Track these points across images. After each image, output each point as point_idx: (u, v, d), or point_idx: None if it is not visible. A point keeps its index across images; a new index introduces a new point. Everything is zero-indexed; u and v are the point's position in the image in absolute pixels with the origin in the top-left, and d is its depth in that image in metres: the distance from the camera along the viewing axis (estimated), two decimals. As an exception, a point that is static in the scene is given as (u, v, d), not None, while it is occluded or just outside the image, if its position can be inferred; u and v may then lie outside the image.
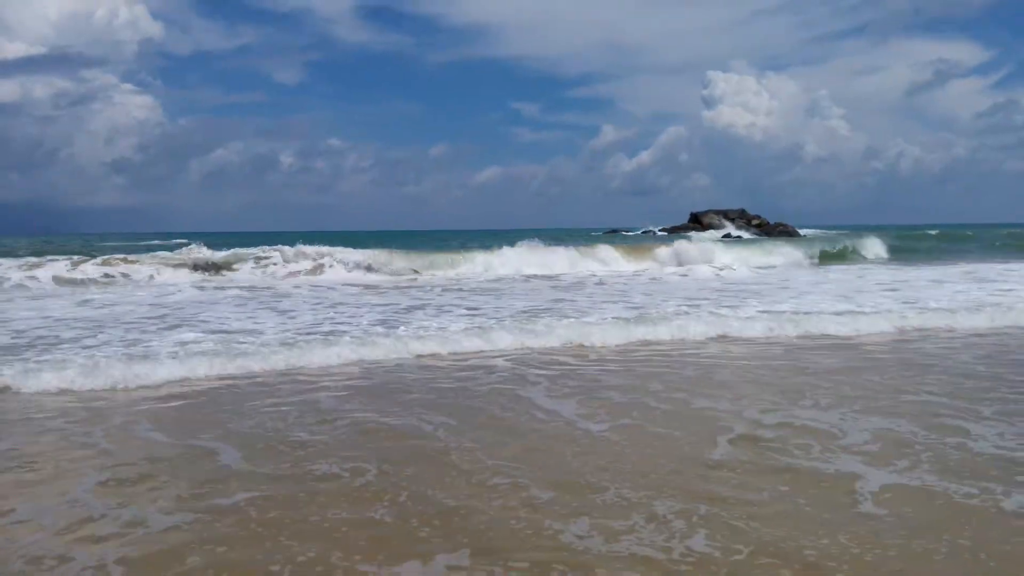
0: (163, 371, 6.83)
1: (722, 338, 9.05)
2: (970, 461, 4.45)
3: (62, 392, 6.25)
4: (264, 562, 3.17)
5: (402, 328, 9.50)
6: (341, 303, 13.18)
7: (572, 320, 10.11)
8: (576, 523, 3.57)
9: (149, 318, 11.01)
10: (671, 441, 4.97)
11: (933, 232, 47.98)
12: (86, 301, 13.49)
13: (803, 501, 3.87)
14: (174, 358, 7.33)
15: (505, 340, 8.49)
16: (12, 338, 9.01)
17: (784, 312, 10.92)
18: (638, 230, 67.83)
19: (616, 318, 10.36)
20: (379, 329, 9.51)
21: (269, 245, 22.52)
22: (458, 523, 3.58)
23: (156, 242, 52.29)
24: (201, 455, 4.68)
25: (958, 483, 4.06)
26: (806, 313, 10.62)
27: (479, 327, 9.44)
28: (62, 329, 9.75)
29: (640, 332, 9.04)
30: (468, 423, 5.43)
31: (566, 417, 5.60)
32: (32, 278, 17.06)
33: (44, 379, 6.40)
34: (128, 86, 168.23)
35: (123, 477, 4.30)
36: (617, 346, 8.53)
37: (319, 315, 11.28)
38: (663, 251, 25.51)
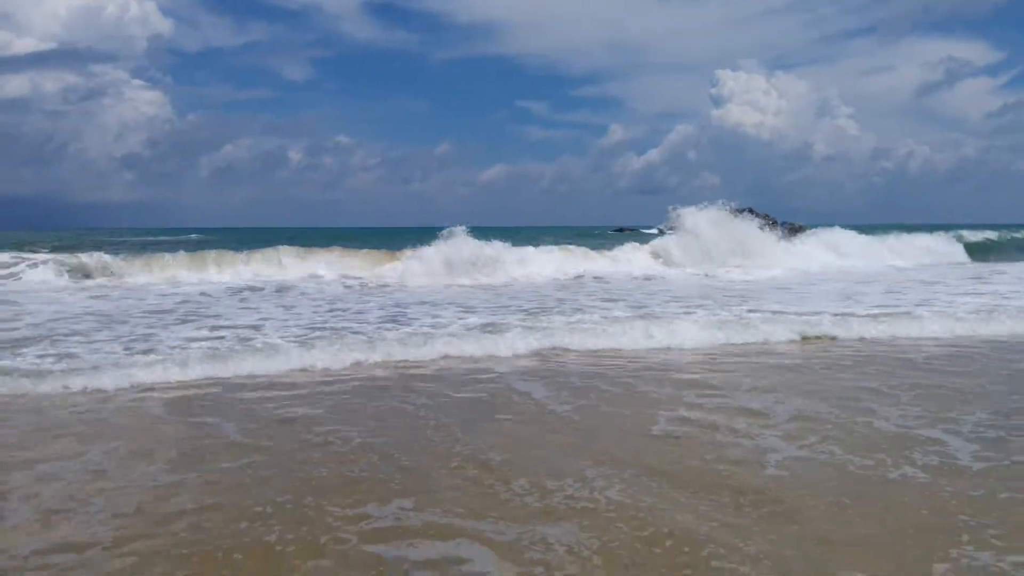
0: (175, 369, 7.22)
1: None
2: (872, 437, 5.12)
3: (68, 388, 6.72)
4: (251, 505, 3.90)
5: (402, 328, 10.24)
6: (341, 300, 13.94)
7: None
8: (517, 481, 4.28)
9: (157, 313, 11.82)
10: (618, 418, 5.68)
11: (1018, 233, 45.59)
12: (99, 296, 14.32)
13: (721, 468, 4.56)
14: (188, 355, 8.04)
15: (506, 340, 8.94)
16: (30, 332, 9.82)
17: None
18: (651, 227, 68.18)
19: (606, 318, 11.05)
20: (373, 328, 10.25)
21: (275, 240, 23.33)
22: (416, 478, 4.31)
23: (165, 239, 53.33)
24: (204, 430, 5.43)
25: (856, 455, 4.74)
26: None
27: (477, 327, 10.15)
28: (75, 323, 10.56)
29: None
30: (448, 404, 6.13)
31: (537, 400, 6.29)
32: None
33: (51, 377, 6.79)
34: (138, 82, 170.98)
35: (132, 446, 5.06)
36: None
37: (321, 314, 12.04)
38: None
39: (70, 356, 7.77)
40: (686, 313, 11.34)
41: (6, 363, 7.36)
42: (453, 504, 3.92)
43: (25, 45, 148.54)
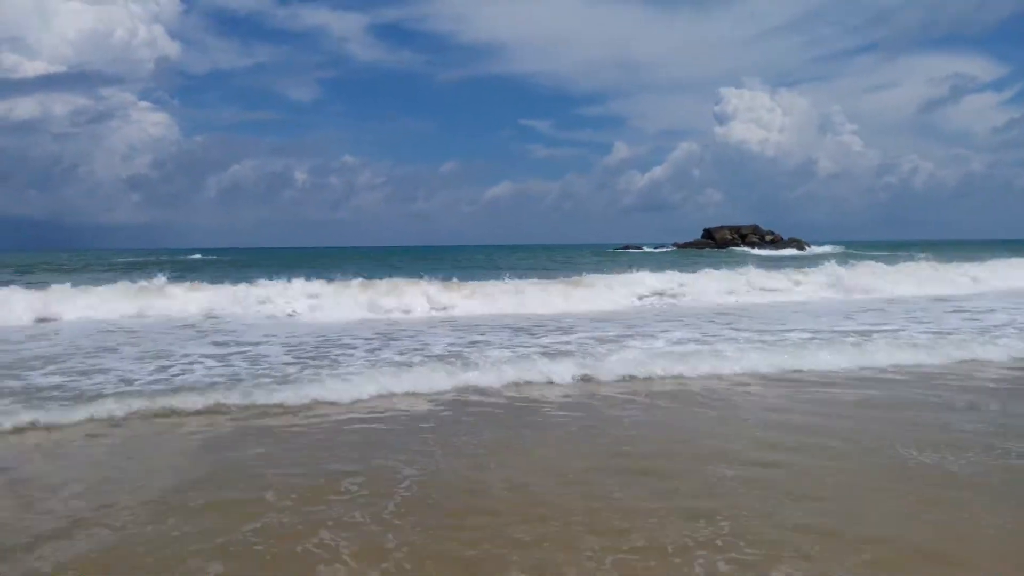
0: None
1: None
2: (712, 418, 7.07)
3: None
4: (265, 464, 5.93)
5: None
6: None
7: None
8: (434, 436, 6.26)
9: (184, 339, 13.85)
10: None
11: None
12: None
13: (592, 431, 6.51)
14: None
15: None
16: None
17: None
18: (664, 246, 70.08)
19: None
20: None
21: (282, 261, 25.44)
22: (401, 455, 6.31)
23: (198, 256, 55.76)
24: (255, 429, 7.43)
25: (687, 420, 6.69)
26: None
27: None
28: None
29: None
30: (456, 422, 7.99)
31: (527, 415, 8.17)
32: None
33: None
34: (145, 104, 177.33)
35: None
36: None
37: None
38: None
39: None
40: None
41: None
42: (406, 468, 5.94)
43: (35, 68, 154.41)
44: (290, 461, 5.69)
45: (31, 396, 7.66)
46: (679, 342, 11.35)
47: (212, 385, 8.21)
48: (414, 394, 8.02)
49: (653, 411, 7.39)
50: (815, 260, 27.44)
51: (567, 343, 11.39)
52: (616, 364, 9.18)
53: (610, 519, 4.43)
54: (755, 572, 3.73)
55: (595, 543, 4.07)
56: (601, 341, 11.42)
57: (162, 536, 4.22)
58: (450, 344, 11.39)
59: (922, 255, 26.11)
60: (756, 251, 55.82)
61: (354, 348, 11.05)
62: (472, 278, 19.96)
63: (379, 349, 10.94)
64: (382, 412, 7.30)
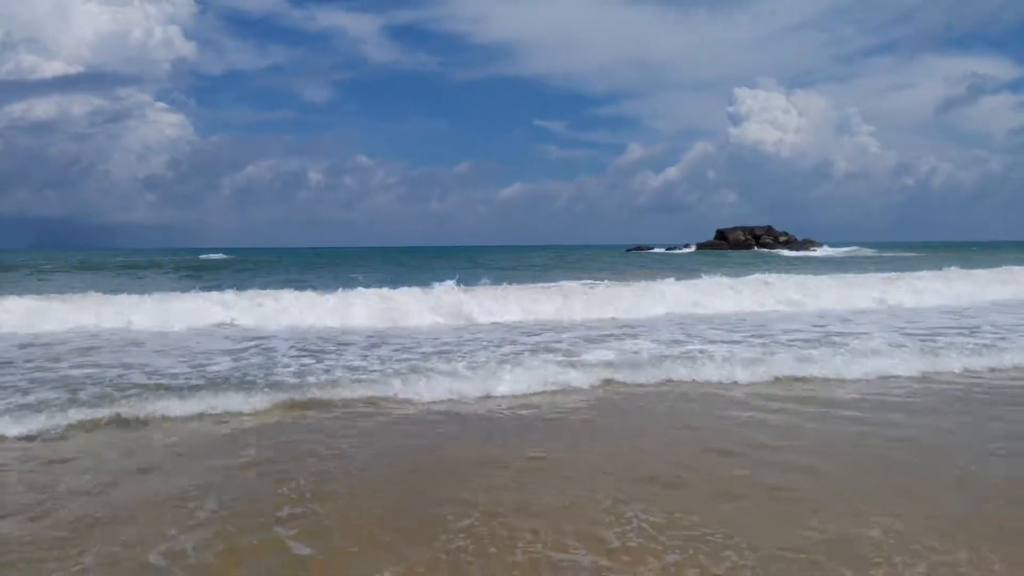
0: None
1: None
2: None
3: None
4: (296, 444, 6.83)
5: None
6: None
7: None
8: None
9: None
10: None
11: None
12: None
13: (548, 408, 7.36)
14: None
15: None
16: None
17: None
18: (677, 247, 70.54)
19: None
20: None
21: (299, 260, 26.36)
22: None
23: (221, 256, 56.60)
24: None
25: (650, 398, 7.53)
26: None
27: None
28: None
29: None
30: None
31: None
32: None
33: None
34: (161, 104, 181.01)
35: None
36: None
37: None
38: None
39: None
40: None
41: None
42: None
43: (53, 69, 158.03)
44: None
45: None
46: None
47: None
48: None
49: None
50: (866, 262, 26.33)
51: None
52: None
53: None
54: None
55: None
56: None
57: (186, 483, 5.15)
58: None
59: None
60: (781, 252, 56.10)
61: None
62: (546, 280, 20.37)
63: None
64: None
